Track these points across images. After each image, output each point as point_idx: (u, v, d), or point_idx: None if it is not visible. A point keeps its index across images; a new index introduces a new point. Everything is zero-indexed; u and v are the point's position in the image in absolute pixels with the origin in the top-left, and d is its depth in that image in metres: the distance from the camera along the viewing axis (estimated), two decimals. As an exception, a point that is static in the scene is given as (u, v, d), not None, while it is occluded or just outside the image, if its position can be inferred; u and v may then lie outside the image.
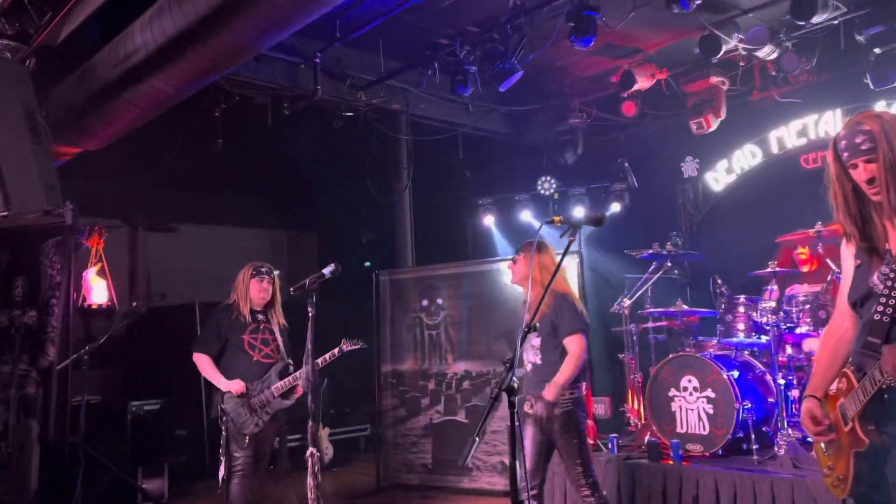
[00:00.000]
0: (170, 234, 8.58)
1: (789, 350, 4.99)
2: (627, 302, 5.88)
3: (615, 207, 7.65)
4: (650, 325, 5.86)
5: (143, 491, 6.82)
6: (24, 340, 6.09)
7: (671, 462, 4.79)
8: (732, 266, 5.77)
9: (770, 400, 4.98)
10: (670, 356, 5.28)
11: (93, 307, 6.82)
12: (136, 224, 7.86)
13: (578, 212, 7.43)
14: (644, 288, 5.85)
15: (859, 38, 5.81)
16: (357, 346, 4.48)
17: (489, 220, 8.21)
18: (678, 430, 5.06)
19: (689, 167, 7.45)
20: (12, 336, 6.04)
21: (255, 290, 4.75)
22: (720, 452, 4.86)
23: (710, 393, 4.94)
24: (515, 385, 2.57)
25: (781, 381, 4.86)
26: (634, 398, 5.81)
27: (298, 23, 4.38)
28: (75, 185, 5.69)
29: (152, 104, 5.23)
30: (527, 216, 8.09)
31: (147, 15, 4.53)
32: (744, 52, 6.34)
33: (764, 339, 5.18)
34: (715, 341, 5.41)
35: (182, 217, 8.39)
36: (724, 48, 6.10)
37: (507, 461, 3.81)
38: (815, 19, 5.70)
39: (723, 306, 5.52)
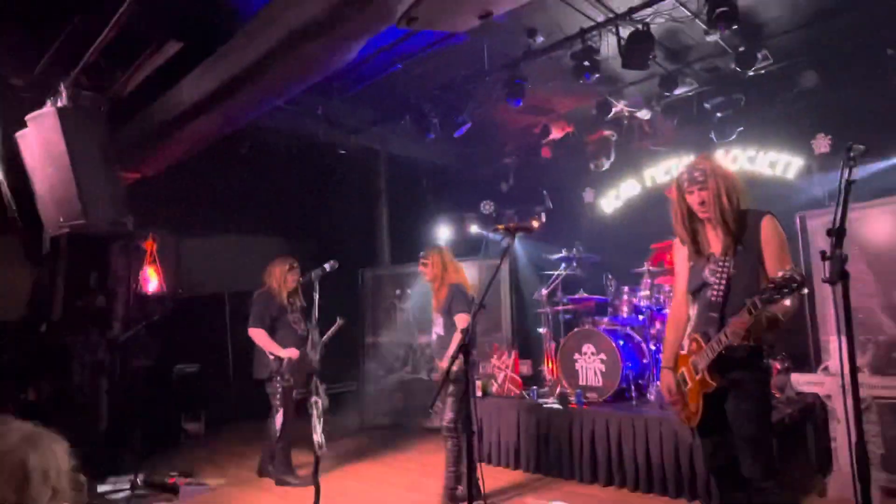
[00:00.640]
0: (204, 240, 8.40)
1: (658, 325, 5.06)
2: (544, 291, 5.96)
3: (536, 223, 7.79)
4: (560, 308, 5.91)
5: (185, 431, 6.72)
6: (95, 318, 5.96)
7: (575, 406, 4.83)
8: (619, 265, 5.83)
9: (644, 361, 5.06)
10: (575, 330, 5.33)
11: (147, 294, 6.67)
12: (181, 232, 7.71)
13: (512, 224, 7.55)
14: (556, 281, 5.94)
15: (707, 105, 6.00)
16: (343, 322, 4.49)
17: (445, 231, 8.28)
18: (580, 383, 5.09)
19: (588, 195, 7.58)
20: (88, 315, 5.90)
21: (291, 281, 4.89)
22: (609, 399, 4.90)
23: (602, 356, 4.98)
24: (469, 347, 2.64)
25: (653, 348, 4.98)
26: (549, 360, 5.85)
27: (295, 89, 4.40)
28: (136, 203, 5.57)
29: (194, 142, 5.18)
30: (473, 228, 8.19)
31: (191, 75, 4.49)
32: (627, 114, 6.50)
33: (641, 317, 5.27)
34: (606, 319, 5.46)
35: (214, 228, 8.24)
36: (613, 110, 6.26)
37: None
38: (677, 92, 5.92)
39: (612, 294, 5.63)
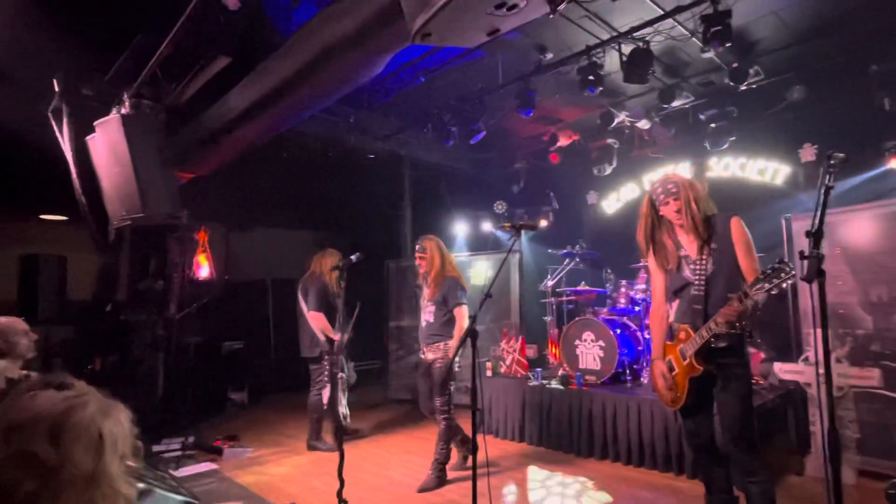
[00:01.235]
0: (249, 232, 8.55)
1: (652, 316, 5.03)
2: (550, 283, 5.95)
3: (543, 222, 7.74)
4: (564, 298, 5.88)
5: (230, 400, 6.82)
6: (155, 299, 6.08)
7: (576, 387, 4.81)
8: (618, 261, 5.76)
9: (639, 348, 5.01)
10: (576, 319, 5.29)
11: (199, 279, 6.79)
12: (229, 226, 7.84)
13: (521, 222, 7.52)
14: (561, 274, 5.91)
15: (701, 116, 5.88)
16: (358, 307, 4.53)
17: (461, 228, 8.26)
18: (580, 366, 5.06)
19: (591, 197, 7.49)
20: (148, 297, 6.03)
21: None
22: (607, 381, 4.87)
23: (601, 343, 4.95)
24: (477, 332, 2.62)
25: (647, 336, 4.91)
26: (553, 346, 5.84)
27: (329, 100, 4.34)
28: (190, 199, 5.66)
29: (241, 146, 5.19)
30: (486, 226, 8.15)
31: (237, 87, 4.51)
32: (628, 124, 6.41)
33: (636, 308, 5.22)
34: (605, 310, 5.41)
35: (258, 222, 8.37)
36: (615, 121, 6.17)
37: (469, 385, 3.87)
38: (674, 104, 5.80)
39: (611, 287, 5.59)
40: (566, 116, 6.90)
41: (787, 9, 4.61)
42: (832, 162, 1.83)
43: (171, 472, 4.33)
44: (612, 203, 7.26)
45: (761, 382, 4.60)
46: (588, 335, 5.06)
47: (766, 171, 5.78)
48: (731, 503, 2.61)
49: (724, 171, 6.01)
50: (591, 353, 5.02)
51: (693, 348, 2.45)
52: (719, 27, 4.06)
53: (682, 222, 2.56)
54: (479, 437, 2.48)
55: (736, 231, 2.48)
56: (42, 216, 7.26)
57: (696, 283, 2.52)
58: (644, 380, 4.73)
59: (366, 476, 4.12)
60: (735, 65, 5.03)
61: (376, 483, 4.04)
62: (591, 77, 4.90)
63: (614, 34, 4.79)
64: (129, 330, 6.13)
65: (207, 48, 3.99)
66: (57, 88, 4.25)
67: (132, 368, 5.98)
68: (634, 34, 4.64)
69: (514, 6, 1.56)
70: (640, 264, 5.24)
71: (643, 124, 6.24)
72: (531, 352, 5.95)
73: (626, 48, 4.76)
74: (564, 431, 4.73)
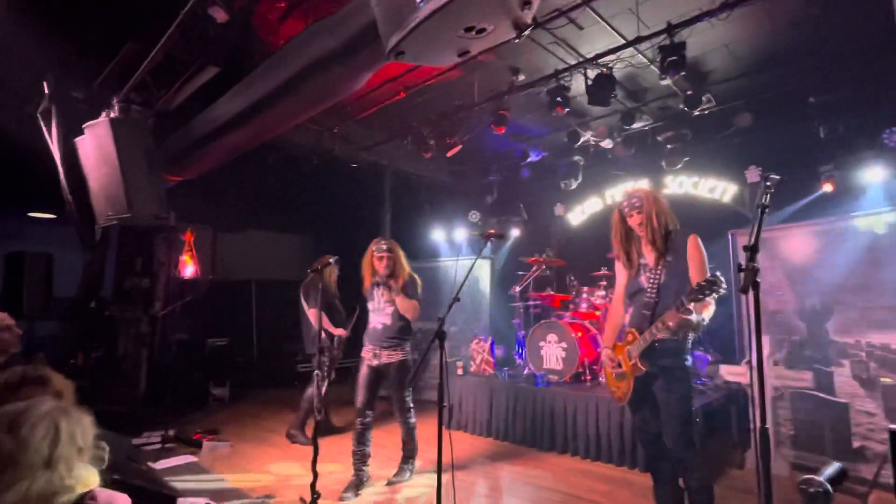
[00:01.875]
0: (236, 233, 8.39)
1: (611, 321, 5.06)
2: (518, 288, 5.97)
3: (515, 232, 7.79)
4: (531, 303, 5.90)
5: (212, 395, 6.66)
6: (140, 297, 5.90)
7: (539, 386, 4.82)
8: (581, 269, 5.82)
9: (598, 350, 4.93)
10: (542, 322, 5.31)
11: (184, 278, 6.63)
12: (216, 227, 7.67)
13: (489, 232, 7.56)
14: (528, 280, 5.94)
15: (659, 138, 6.01)
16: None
17: (439, 235, 8.26)
18: (544, 366, 5.08)
19: (558, 209, 7.55)
20: (133, 294, 5.85)
21: (335, 275, 4.90)
22: (568, 380, 4.89)
23: (564, 344, 4.99)
24: (444, 335, 2.60)
25: (605, 339, 5.00)
26: (520, 346, 5.87)
27: (314, 110, 4.29)
28: (178, 201, 5.53)
29: (228, 152, 5.12)
30: (461, 234, 8.17)
31: (226, 96, 4.46)
32: (593, 143, 6.51)
33: (597, 313, 5.25)
34: (568, 314, 5.43)
35: (244, 225, 8.23)
36: (581, 139, 6.26)
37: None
38: (634, 125, 5.92)
39: (574, 293, 5.62)
40: (536, 134, 6.97)
41: (737, 43, 4.76)
42: (768, 184, 1.88)
43: (150, 464, 4.20)
44: (577, 215, 7.34)
45: (708, 383, 4.70)
46: (552, 337, 5.08)
47: (716, 189, 5.93)
48: (676, 494, 2.65)
49: (679, 189, 6.14)
50: (554, 354, 5.04)
51: (638, 350, 2.51)
52: (675, 57, 4.16)
53: (643, 234, 2.61)
54: (445, 433, 2.46)
55: (691, 248, 2.52)
56: (29, 214, 7.00)
57: (649, 290, 2.57)
58: (602, 380, 4.77)
59: (339, 469, 4.06)
60: (689, 92, 5.16)
61: (349, 476, 3.97)
62: (559, 98, 4.96)
63: (581, 60, 4.87)
64: (114, 326, 5.93)
65: (197, 57, 3.92)
66: (46, 91, 4.12)
67: (116, 364, 5.78)
68: (599, 60, 4.72)
69: (483, 30, 1.58)
70: (601, 272, 5.32)
71: (606, 144, 6.35)
72: (499, 352, 5.94)
73: (592, 73, 4.84)
74: (528, 427, 4.74)
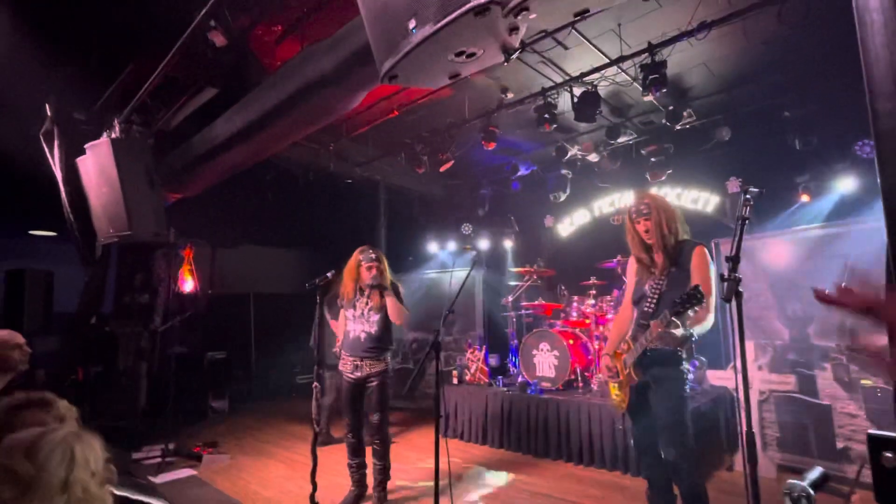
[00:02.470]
0: (234, 249, 8.36)
1: (601, 328, 5.06)
2: (510, 298, 5.98)
3: (507, 243, 7.82)
4: (522, 312, 5.91)
5: (212, 408, 6.58)
6: (140, 312, 5.86)
7: (533, 393, 4.82)
8: (571, 279, 5.82)
9: (589, 357, 5.05)
10: (534, 330, 5.31)
11: (184, 293, 6.58)
12: (214, 243, 7.64)
13: (482, 244, 7.58)
14: (520, 290, 5.95)
15: (643, 152, 6.07)
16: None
17: (433, 247, 8.27)
18: (537, 374, 5.08)
19: (548, 221, 7.60)
20: (133, 310, 5.81)
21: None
22: (560, 387, 4.89)
23: (556, 353, 4.99)
24: (440, 345, 2.60)
25: (596, 346, 4.97)
26: (513, 355, 5.86)
27: (310, 129, 4.27)
28: (177, 218, 5.52)
29: (226, 170, 5.10)
30: (453, 246, 8.19)
31: (224, 115, 4.46)
32: (580, 157, 6.57)
33: (587, 321, 5.24)
34: (560, 323, 5.45)
35: (242, 240, 8.20)
36: (569, 153, 6.32)
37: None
38: (619, 140, 5.99)
39: (564, 302, 5.64)
40: (525, 149, 7.04)
41: (715, 61, 4.86)
42: (748, 196, 1.92)
43: (151, 478, 4.13)
44: (566, 227, 7.39)
45: (696, 388, 4.72)
46: (544, 345, 5.09)
47: (699, 200, 6.01)
48: (670, 500, 2.63)
49: (663, 200, 6.19)
50: (546, 361, 5.05)
51: (631, 359, 2.47)
52: (656, 75, 4.23)
53: (651, 241, 2.50)
54: (442, 441, 2.45)
55: (696, 259, 2.41)
56: (31, 232, 6.95)
57: (650, 299, 2.49)
58: (594, 386, 4.77)
59: (339, 480, 4.02)
60: (671, 107, 5.24)
61: (349, 487, 3.93)
62: (546, 115, 5.02)
63: (567, 78, 4.94)
64: (114, 341, 5.87)
65: (196, 79, 3.95)
66: (49, 112, 4.12)
67: (116, 378, 5.71)
68: (584, 79, 4.79)
69: (473, 54, 1.61)
70: (590, 282, 5.34)
71: (593, 157, 6.40)
72: (494, 360, 5.95)
73: (577, 90, 4.91)
74: (522, 434, 4.72)
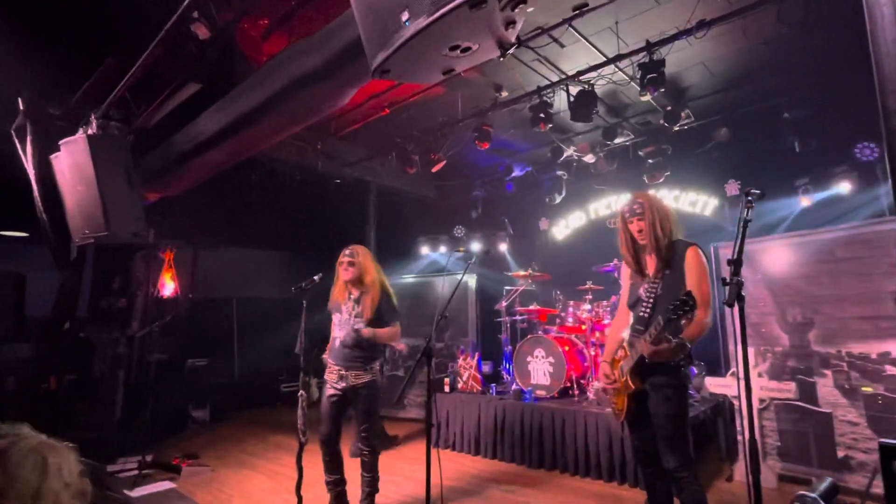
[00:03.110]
0: (217, 252, 8.27)
1: (598, 334, 5.06)
2: (504, 303, 5.96)
3: (501, 246, 7.83)
4: (517, 317, 5.89)
5: (192, 417, 6.48)
6: (117, 317, 5.76)
7: (527, 401, 4.80)
8: (567, 283, 5.82)
9: (585, 364, 5.04)
10: (528, 336, 5.29)
11: (163, 297, 6.49)
12: (196, 245, 7.55)
13: (475, 247, 7.57)
14: (514, 295, 5.94)
15: (640, 153, 6.12)
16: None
17: (424, 250, 8.24)
18: (532, 381, 5.06)
19: (543, 224, 7.62)
20: (110, 314, 5.71)
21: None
22: (556, 395, 4.87)
23: (551, 359, 4.97)
24: (432, 352, 2.57)
25: (592, 353, 4.95)
26: (507, 362, 5.84)
27: (297, 127, 4.25)
28: (158, 218, 5.45)
29: (209, 169, 5.05)
30: (445, 249, 8.18)
31: (207, 112, 4.42)
32: (576, 158, 6.61)
33: (583, 327, 5.22)
34: (555, 328, 5.44)
35: (225, 241, 8.11)
36: (564, 154, 6.35)
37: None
38: (616, 141, 6.03)
39: (560, 307, 5.63)
40: (520, 150, 7.06)
41: (713, 60, 4.91)
42: (749, 198, 1.92)
43: (127, 492, 4.05)
44: (561, 229, 7.40)
45: (695, 395, 4.73)
46: (539, 352, 5.07)
47: (697, 203, 6.06)
48: (669, 510, 2.62)
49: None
50: (541, 368, 5.03)
51: (628, 366, 2.44)
52: (654, 74, 4.27)
53: (644, 242, 2.49)
54: (434, 452, 2.42)
55: (690, 259, 2.39)
56: (1, 232, 6.82)
57: (645, 303, 2.47)
58: (590, 394, 4.77)
59: (323, 492, 3.96)
60: (669, 108, 5.28)
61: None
62: (541, 115, 5.03)
63: (563, 77, 4.97)
64: (90, 348, 5.76)
65: (178, 74, 3.90)
66: (21, 107, 4.05)
67: (91, 387, 5.60)
68: (580, 77, 4.82)
69: (467, 49, 1.60)
70: (586, 286, 5.35)
71: (589, 158, 6.44)
72: (487, 368, 5.92)
73: (574, 89, 4.93)
74: (517, 445, 4.70)
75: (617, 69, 4.74)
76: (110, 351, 5.79)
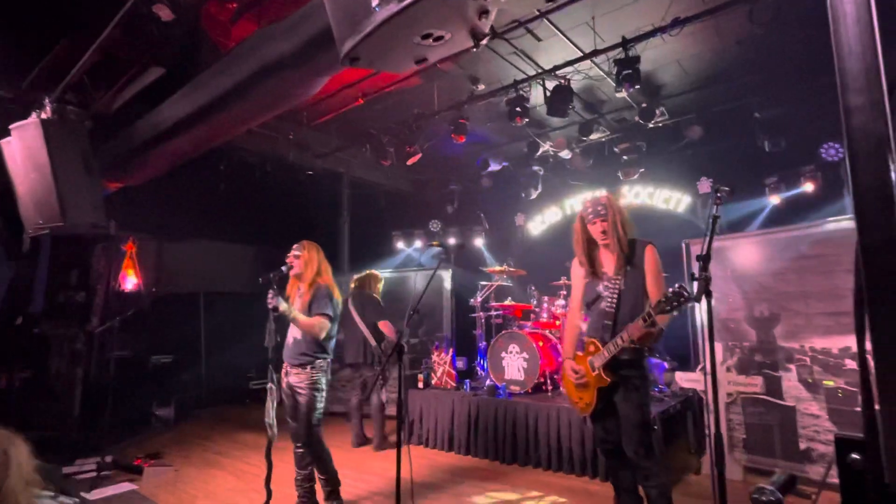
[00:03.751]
0: (182, 244, 8.04)
1: (571, 330, 5.10)
2: (479, 298, 5.98)
3: (476, 241, 7.84)
4: (492, 312, 5.91)
5: (155, 416, 6.32)
6: (75, 312, 5.56)
7: (501, 397, 4.82)
8: (541, 279, 5.87)
9: (559, 359, 5.05)
10: (503, 332, 5.30)
11: (125, 291, 6.29)
12: (160, 237, 7.33)
13: (451, 242, 7.56)
14: (489, 290, 5.96)
15: (615, 149, 6.23)
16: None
17: (399, 244, 8.20)
18: (506, 377, 5.08)
19: (519, 219, 7.67)
20: (67, 309, 5.50)
21: (379, 286, 5.15)
22: (529, 391, 4.90)
23: (525, 355, 5.00)
24: (405, 347, 2.56)
25: (566, 348, 5.05)
26: (481, 357, 5.86)
27: (267, 115, 4.15)
28: (120, 209, 5.27)
29: (174, 157, 4.90)
30: (420, 243, 8.14)
31: (172, 98, 4.28)
32: (552, 153, 6.66)
33: (557, 323, 5.30)
34: (529, 324, 5.47)
35: (191, 233, 7.89)
36: (541, 149, 6.39)
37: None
38: (592, 137, 6.10)
39: (534, 303, 5.68)
40: (496, 144, 7.07)
41: (688, 58, 5.00)
42: (719, 195, 1.97)
43: (84, 494, 3.92)
44: (537, 225, 7.46)
45: (665, 390, 4.84)
46: (513, 347, 5.10)
47: (671, 199, 6.19)
48: (637, 502, 2.69)
49: (636, 199, 6.36)
50: (515, 364, 5.06)
51: (601, 361, 2.51)
52: (630, 71, 4.33)
53: (608, 242, 2.61)
54: (405, 448, 2.41)
55: (649, 257, 2.56)
56: (-52, 222, 6.48)
57: (609, 299, 2.58)
58: (563, 390, 4.81)
59: (291, 490, 3.92)
60: (644, 105, 5.37)
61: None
62: (518, 108, 5.05)
63: (539, 71, 4.99)
64: (45, 344, 5.55)
65: (140, 57, 3.76)
66: (-32, 88, 3.84)
67: (46, 385, 5.39)
68: (557, 72, 4.85)
69: (440, 37, 1.58)
70: (561, 282, 5.40)
71: (565, 154, 6.50)
72: (461, 363, 5.92)
73: (550, 84, 4.96)
74: (490, 441, 4.72)
75: (593, 65, 4.79)
76: (67, 347, 5.58)
